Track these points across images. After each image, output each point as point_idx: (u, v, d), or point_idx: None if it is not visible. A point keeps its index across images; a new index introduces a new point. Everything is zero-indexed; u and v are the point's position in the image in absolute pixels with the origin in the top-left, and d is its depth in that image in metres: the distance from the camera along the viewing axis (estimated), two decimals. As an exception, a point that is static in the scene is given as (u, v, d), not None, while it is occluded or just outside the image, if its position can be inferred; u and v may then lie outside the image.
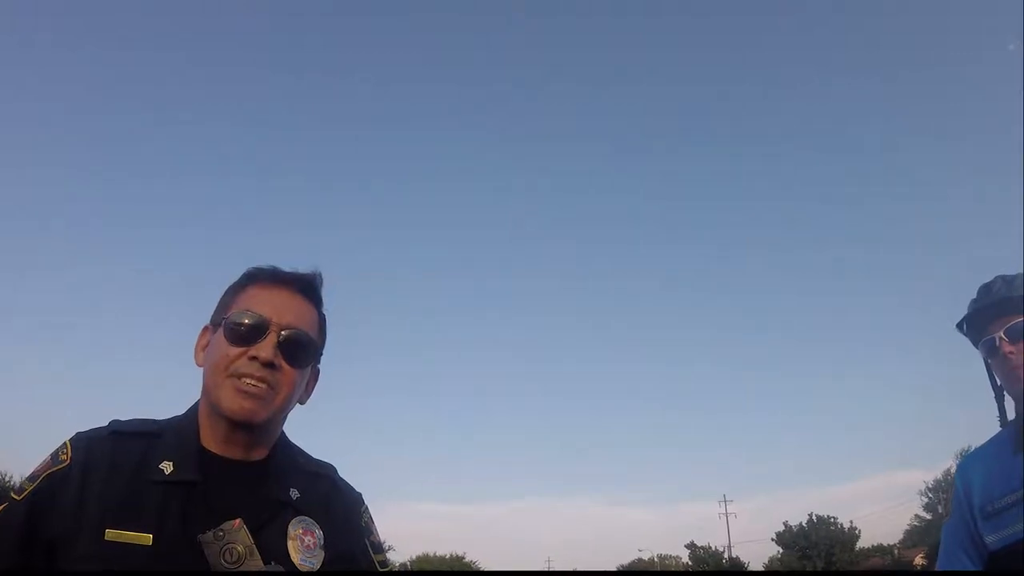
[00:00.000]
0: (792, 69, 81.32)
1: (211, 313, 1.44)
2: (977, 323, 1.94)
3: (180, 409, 1.41)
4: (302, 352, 1.38)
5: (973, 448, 2.11)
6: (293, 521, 1.33)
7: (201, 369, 1.39)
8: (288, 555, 1.29)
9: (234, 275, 1.46)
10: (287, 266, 1.47)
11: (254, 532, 1.26)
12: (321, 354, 1.48)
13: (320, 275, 1.47)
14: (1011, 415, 1.92)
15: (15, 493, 1.30)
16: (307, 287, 1.44)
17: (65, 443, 1.32)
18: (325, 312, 1.49)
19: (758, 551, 52.20)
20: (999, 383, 1.92)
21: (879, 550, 46.44)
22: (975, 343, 1.96)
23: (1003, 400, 1.93)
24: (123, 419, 1.37)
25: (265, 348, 1.33)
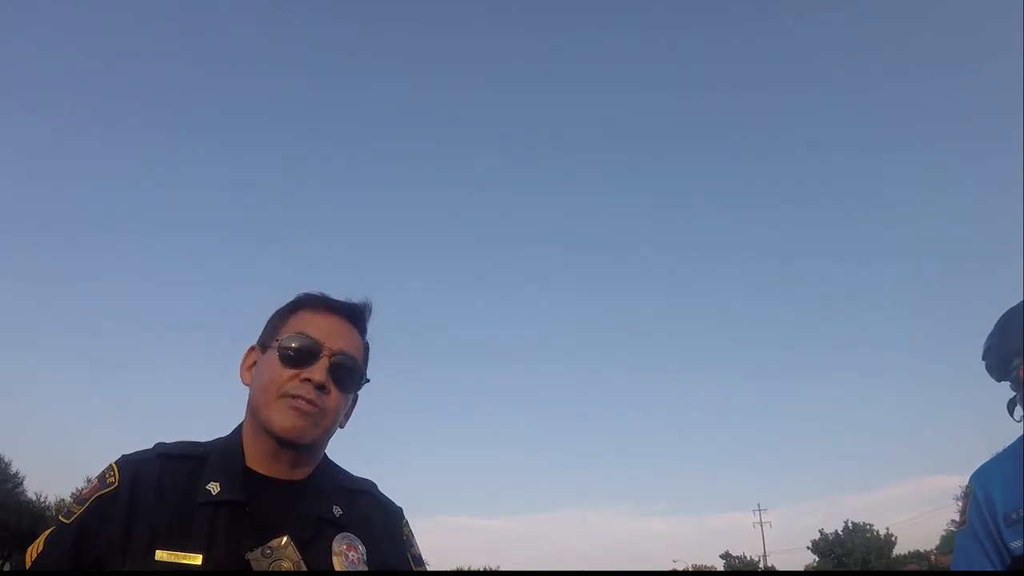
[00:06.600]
0: (789, 74, 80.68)
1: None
2: (1003, 354, 2.02)
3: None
4: (350, 378, 1.42)
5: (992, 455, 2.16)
6: (337, 537, 1.36)
7: (247, 388, 1.43)
8: (334, 570, 1.32)
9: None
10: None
11: (300, 549, 1.29)
12: (365, 381, 1.51)
13: (370, 305, 1.51)
14: None
15: (64, 517, 1.32)
16: (356, 316, 1.49)
17: (111, 465, 1.34)
18: (368, 341, 1.52)
19: (793, 559, 51.30)
20: None
21: (915, 556, 45.52)
22: (1000, 375, 2.05)
23: None
24: (168, 441, 1.39)
25: (318, 371, 1.37)
